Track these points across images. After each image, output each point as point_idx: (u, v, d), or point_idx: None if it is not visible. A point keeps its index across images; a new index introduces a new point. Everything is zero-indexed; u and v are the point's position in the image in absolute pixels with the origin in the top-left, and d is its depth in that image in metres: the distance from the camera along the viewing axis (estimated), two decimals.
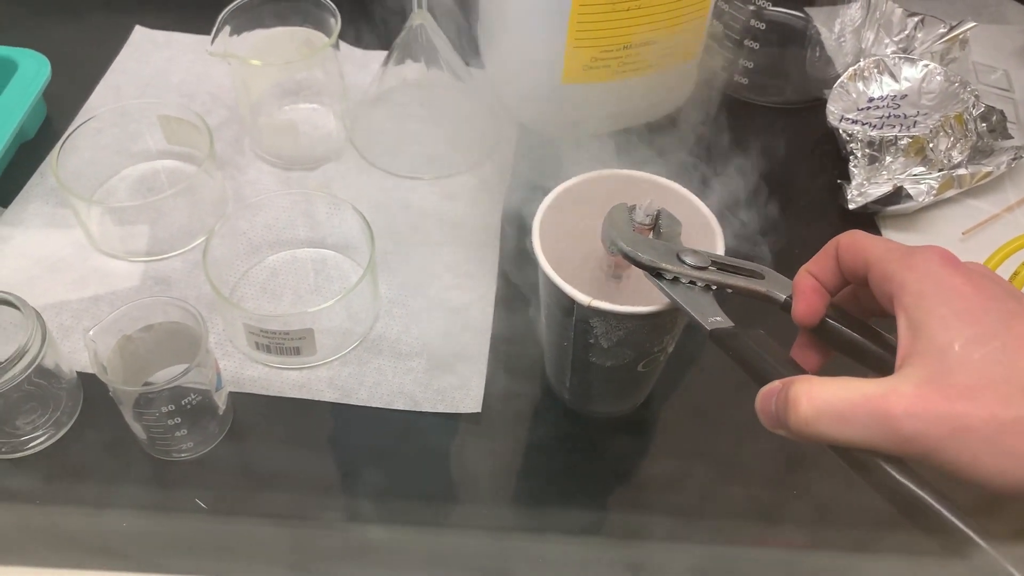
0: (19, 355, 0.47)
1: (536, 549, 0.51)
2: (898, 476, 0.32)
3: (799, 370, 0.37)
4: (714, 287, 0.42)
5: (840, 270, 0.39)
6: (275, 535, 0.51)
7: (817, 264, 0.40)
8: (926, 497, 0.31)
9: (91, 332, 0.47)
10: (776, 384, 0.35)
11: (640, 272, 0.48)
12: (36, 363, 0.48)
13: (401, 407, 0.54)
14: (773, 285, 0.41)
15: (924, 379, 0.32)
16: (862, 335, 0.39)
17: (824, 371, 0.41)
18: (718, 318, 0.40)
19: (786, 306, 0.40)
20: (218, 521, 0.50)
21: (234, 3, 0.63)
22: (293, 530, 0.51)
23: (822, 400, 0.33)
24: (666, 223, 0.46)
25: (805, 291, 0.40)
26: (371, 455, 0.53)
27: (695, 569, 0.51)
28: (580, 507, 0.52)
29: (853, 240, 0.38)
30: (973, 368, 0.31)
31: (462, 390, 0.55)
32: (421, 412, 0.54)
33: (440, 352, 0.56)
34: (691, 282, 0.42)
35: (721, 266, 0.43)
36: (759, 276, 0.42)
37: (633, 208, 0.45)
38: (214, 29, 0.61)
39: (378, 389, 0.54)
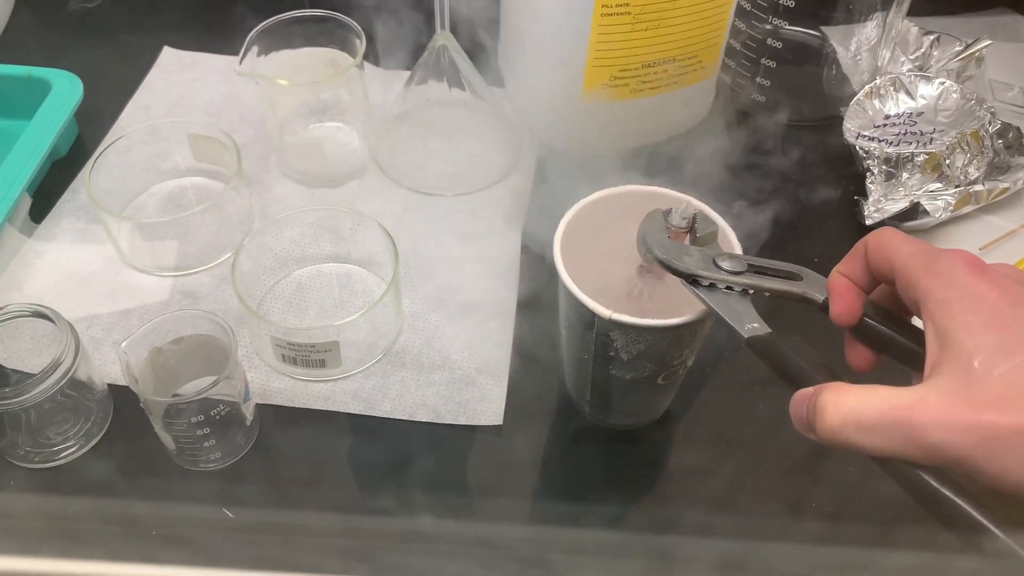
0: (53, 367, 0.49)
1: (554, 560, 0.52)
2: (932, 482, 0.32)
3: (835, 376, 0.37)
4: (751, 291, 0.42)
5: (870, 272, 0.39)
6: (301, 544, 0.52)
7: (847, 265, 0.40)
8: (961, 503, 0.32)
9: (123, 344, 0.49)
10: (808, 390, 0.35)
11: (660, 286, 0.49)
12: (69, 375, 0.49)
13: (424, 419, 0.55)
14: (811, 286, 0.41)
15: (951, 389, 0.32)
16: (903, 335, 0.39)
17: (875, 370, 0.40)
18: (755, 324, 0.40)
19: (825, 307, 0.40)
20: (245, 530, 0.51)
21: (261, 24, 0.64)
22: (318, 539, 0.52)
23: (848, 409, 0.33)
24: (702, 226, 0.45)
25: (840, 291, 0.40)
26: (394, 467, 0.54)
27: None
28: (599, 519, 0.53)
29: (879, 242, 0.38)
30: (1001, 377, 0.31)
31: (483, 403, 0.55)
32: (443, 424, 0.55)
33: (462, 365, 0.57)
34: (728, 287, 0.42)
35: (758, 269, 0.42)
36: (797, 277, 0.42)
37: (669, 212, 0.45)
38: (243, 49, 0.63)
39: (401, 401, 0.55)
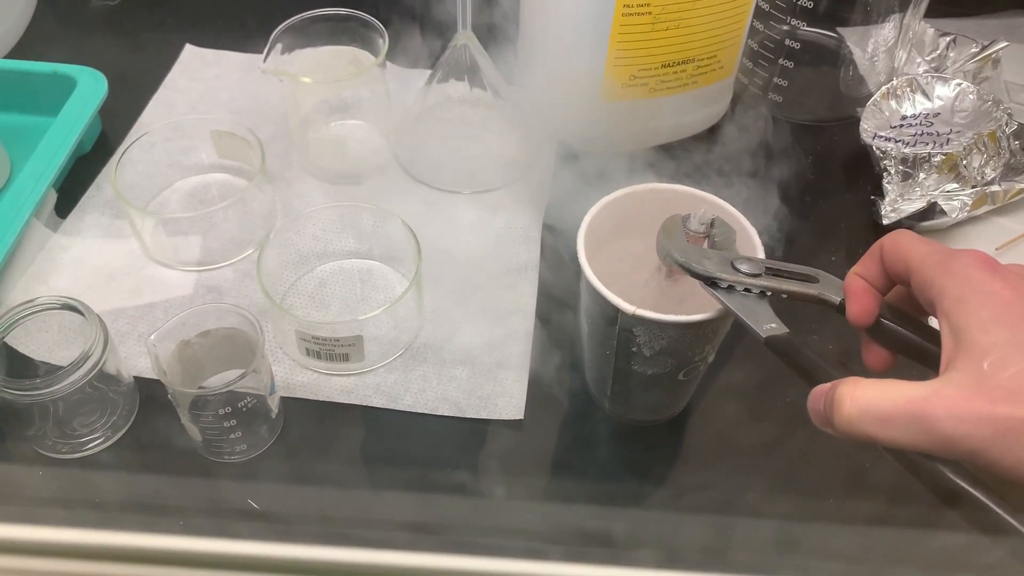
0: (83, 359, 0.49)
1: (572, 554, 0.52)
2: (948, 474, 0.33)
3: (851, 373, 0.37)
4: (769, 293, 0.43)
5: (886, 273, 0.40)
6: (323, 536, 0.52)
7: (863, 266, 0.41)
8: (978, 495, 0.32)
9: (152, 336, 0.49)
10: (826, 385, 0.36)
11: (681, 282, 0.50)
12: (98, 367, 0.50)
13: (445, 413, 0.55)
14: (827, 288, 0.42)
15: (966, 382, 0.32)
16: (919, 335, 0.40)
17: (891, 371, 0.41)
18: (773, 325, 0.41)
19: (841, 308, 0.41)
20: (269, 520, 0.52)
21: (285, 23, 0.65)
22: (339, 530, 0.52)
23: (865, 401, 0.34)
24: (720, 231, 0.47)
25: (856, 292, 0.40)
26: (415, 460, 0.54)
27: None
28: (617, 514, 0.53)
29: (895, 244, 0.39)
30: (1015, 371, 0.32)
31: (504, 397, 0.56)
32: (464, 418, 0.55)
33: (483, 360, 0.58)
34: (746, 289, 0.43)
35: (775, 272, 0.43)
36: (813, 280, 0.43)
37: (687, 217, 0.46)
38: (267, 47, 0.63)
39: (423, 395, 0.56)
